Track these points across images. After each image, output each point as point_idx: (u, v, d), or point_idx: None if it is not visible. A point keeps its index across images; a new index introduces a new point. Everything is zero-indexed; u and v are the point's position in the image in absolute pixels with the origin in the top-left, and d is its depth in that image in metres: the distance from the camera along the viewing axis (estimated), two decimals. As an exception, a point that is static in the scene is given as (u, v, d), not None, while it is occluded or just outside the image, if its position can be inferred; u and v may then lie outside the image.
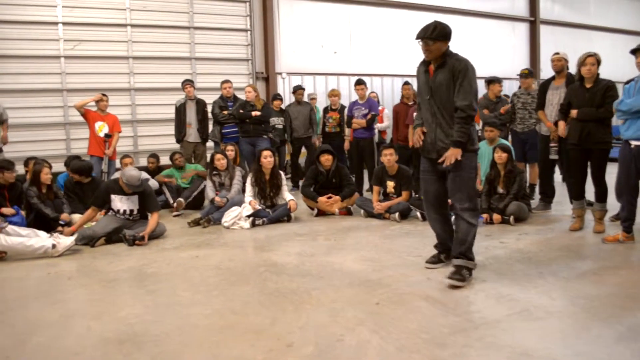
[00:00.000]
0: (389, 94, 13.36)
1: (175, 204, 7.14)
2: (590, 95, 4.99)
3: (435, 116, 3.87)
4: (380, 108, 9.33)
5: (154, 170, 8.04)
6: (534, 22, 16.05)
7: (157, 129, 10.51)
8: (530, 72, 7.07)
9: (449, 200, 4.02)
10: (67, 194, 6.46)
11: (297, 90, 9.26)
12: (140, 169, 7.74)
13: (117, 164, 8.05)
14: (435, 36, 3.76)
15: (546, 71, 13.77)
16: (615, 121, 4.94)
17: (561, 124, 5.30)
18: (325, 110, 8.95)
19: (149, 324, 3.15)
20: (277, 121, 9.29)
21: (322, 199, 6.72)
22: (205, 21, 11.11)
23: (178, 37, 10.89)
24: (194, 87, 8.63)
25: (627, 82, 4.71)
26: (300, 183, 7.71)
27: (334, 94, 8.82)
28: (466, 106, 3.68)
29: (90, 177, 6.62)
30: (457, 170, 3.76)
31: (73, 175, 6.51)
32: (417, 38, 3.83)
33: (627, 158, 4.61)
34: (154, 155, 8.28)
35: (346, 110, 8.51)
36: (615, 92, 4.86)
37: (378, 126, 9.07)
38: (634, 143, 4.52)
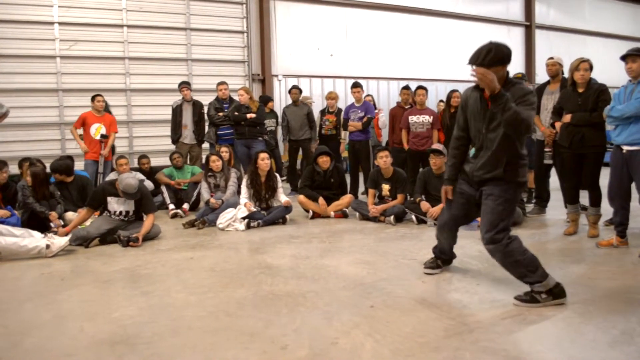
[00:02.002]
0: (384, 97, 13.39)
1: (179, 211, 7.12)
2: (582, 99, 5.01)
3: (486, 150, 3.46)
4: (376, 111, 9.36)
5: (148, 170, 8.02)
6: (529, 26, 16.13)
7: (153, 130, 10.51)
8: (523, 76, 7.09)
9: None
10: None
11: (292, 89, 9.22)
12: (135, 169, 7.78)
13: (113, 165, 8.02)
14: (489, 62, 3.28)
15: (541, 75, 13.80)
16: (607, 126, 4.96)
17: (557, 124, 5.31)
18: (322, 112, 8.95)
19: (143, 325, 3.14)
20: (268, 123, 9.29)
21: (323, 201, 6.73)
22: (201, 23, 11.13)
23: (174, 38, 10.90)
24: (191, 89, 8.61)
25: None
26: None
27: (331, 96, 8.83)
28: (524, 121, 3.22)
29: (72, 175, 6.58)
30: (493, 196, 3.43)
31: (54, 175, 6.46)
32: (469, 63, 3.38)
33: (618, 163, 4.63)
34: (145, 156, 8.25)
35: (342, 113, 8.52)
36: (608, 96, 4.89)
37: (380, 115, 9.10)
38: (625, 148, 4.54)
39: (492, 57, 3.29)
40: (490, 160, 3.42)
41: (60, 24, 9.76)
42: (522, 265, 3.35)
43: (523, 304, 3.31)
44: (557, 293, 3.33)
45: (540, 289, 3.32)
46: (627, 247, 4.73)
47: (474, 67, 3.32)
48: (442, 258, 4.16)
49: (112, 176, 7.36)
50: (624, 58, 4.53)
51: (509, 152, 3.38)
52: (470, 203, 3.74)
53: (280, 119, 9.55)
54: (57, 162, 6.53)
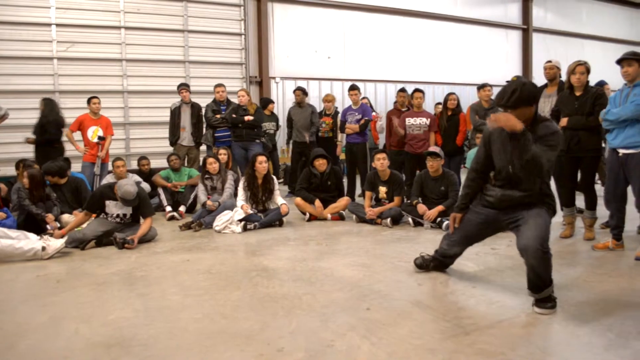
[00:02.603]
0: (382, 100, 13.41)
1: (176, 213, 7.11)
2: (579, 103, 5.02)
3: (512, 187, 3.46)
4: (374, 114, 9.36)
5: (148, 172, 8.01)
6: (526, 30, 16.19)
7: (150, 131, 10.51)
8: (518, 79, 7.09)
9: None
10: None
11: (296, 91, 9.13)
12: (133, 171, 7.77)
13: (109, 167, 8.01)
14: (513, 103, 3.24)
15: (538, 79, 13.85)
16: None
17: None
18: (319, 115, 8.94)
19: (138, 327, 3.13)
20: (268, 126, 9.26)
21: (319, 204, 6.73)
22: (199, 25, 11.14)
23: (172, 40, 10.91)
24: (190, 92, 8.60)
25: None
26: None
27: (328, 99, 8.83)
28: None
29: (65, 177, 6.55)
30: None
31: (47, 177, 6.40)
32: (497, 105, 3.37)
33: (614, 166, 4.64)
34: (145, 157, 8.25)
35: (339, 115, 8.52)
36: (605, 100, 4.90)
37: (378, 116, 9.05)
38: (621, 151, 4.55)
39: (516, 97, 3.23)
40: (524, 187, 3.40)
41: (57, 25, 9.77)
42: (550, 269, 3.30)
43: (547, 310, 3.26)
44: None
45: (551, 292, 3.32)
46: (623, 250, 4.74)
47: (499, 109, 3.29)
48: (438, 260, 4.16)
49: (109, 178, 7.34)
50: (619, 62, 4.54)
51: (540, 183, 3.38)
52: (488, 223, 3.68)
53: (281, 122, 9.52)
54: (49, 164, 6.50)
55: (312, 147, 8.60)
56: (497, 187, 3.56)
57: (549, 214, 3.40)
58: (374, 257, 4.79)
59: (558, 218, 5.82)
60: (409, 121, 7.52)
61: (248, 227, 6.16)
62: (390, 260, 4.61)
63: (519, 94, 3.22)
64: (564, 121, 5.12)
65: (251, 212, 6.31)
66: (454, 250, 4.00)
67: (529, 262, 3.27)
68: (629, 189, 4.65)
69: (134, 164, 9.14)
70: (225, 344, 2.87)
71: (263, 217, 6.34)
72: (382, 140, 9.92)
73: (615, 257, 4.60)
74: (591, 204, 5.23)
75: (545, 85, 6.22)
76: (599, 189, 5.73)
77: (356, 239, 5.69)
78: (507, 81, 6.81)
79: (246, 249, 5.31)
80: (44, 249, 4.89)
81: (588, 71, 5.06)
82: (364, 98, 10.04)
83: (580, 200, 5.40)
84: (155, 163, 8.34)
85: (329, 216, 6.74)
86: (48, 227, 5.78)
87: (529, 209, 3.38)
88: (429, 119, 7.49)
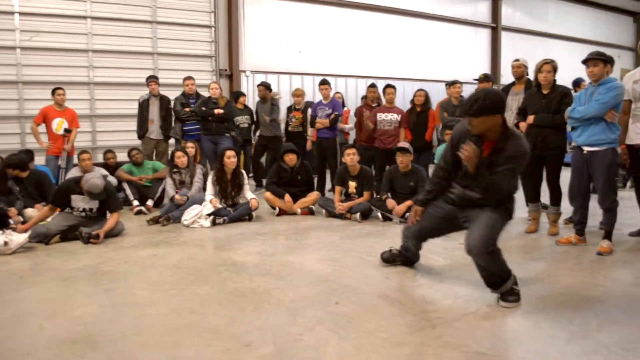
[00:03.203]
0: (352, 95, 13.44)
1: (143, 208, 7.00)
2: (546, 101, 5.12)
3: (474, 188, 3.51)
4: (345, 109, 9.38)
5: (114, 165, 7.85)
6: (495, 28, 16.40)
7: (117, 124, 10.30)
8: (486, 77, 7.21)
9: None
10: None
11: (259, 86, 9.08)
12: (99, 165, 7.61)
13: (75, 160, 7.84)
14: (474, 112, 3.23)
15: (506, 77, 14.08)
16: (569, 128, 5.09)
17: (522, 124, 5.41)
18: (289, 109, 8.92)
19: (105, 323, 3.08)
20: (241, 120, 9.19)
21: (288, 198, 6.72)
22: (168, 16, 10.93)
23: (140, 31, 10.67)
24: (158, 84, 8.47)
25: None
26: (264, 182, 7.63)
27: (298, 93, 8.80)
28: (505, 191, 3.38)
29: (27, 170, 6.35)
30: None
31: (8, 170, 6.20)
32: (461, 113, 3.44)
33: (579, 164, 4.75)
34: (111, 151, 8.08)
35: (310, 110, 8.51)
36: (571, 99, 5.00)
37: (344, 127, 9.08)
38: (586, 149, 4.66)
39: (478, 106, 3.21)
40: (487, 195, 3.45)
41: (20, 14, 9.46)
42: (501, 265, 3.38)
43: (511, 304, 3.31)
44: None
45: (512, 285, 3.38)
46: (585, 245, 4.86)
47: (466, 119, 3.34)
48: (404, 255, 4.20)
49: (74, 172, 7.18)
50: (585, 62, 4.64)
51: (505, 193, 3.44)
52: (447, 219, 3.72)
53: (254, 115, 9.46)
54: (10, 157, 6.31)
55: (277, 141, 8.62)
56: (460, 186, 3.61)
57: (501, 215, 3.45)
58: (343, 251, 4.81)
59: (523, 213, 5.96)
60: (380, 116, 7.55)
61: (217, 221, 6.11)
62: (359, 255, 4.64)
63: (481, 103, 3.20)
64: (530, 119, 5.22)
65: (220, 206, 6.26)
66: (411, 243, 4.04)
67: (476, 261, 3.37)
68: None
69: (100, 157, 8.94)
70: (192, 339, 2.85)
71: (232, 212, 6.30)
72: (352, 136, 9.97)
73: (578, 251, 4.72)
74: (556, 200, 5.36)
75: (513, 84, 6.33)
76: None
77: (325, 233, 5.70)
78: (475, 79, 6.91)
79: (215, 244, 5.27)
80: (6, 243, 4.76)
81: (555, 70, 5.15)
82: (337, 93, 10.08)
83: (545, 197, 5.51)
84: (122, 157, 8.17)
85: (299, 211, 6.74)
86: (10, 221, 5.63)
87: (481, 209, 3.45)
88: (399, 115, 7.54)
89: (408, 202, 6.07)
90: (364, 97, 10.20)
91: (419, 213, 3.87)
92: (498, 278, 3.35)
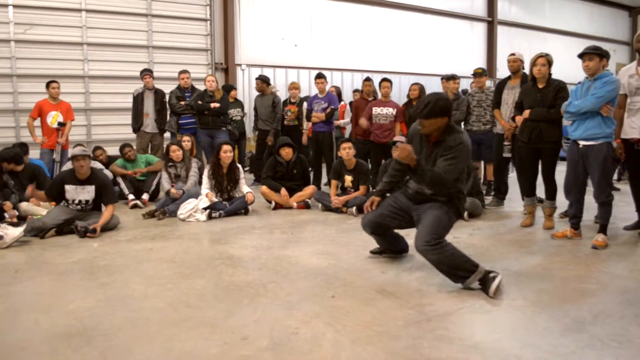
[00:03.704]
0: (348, 89, 13.42)
1: (139, 202, 6.97)
2: (542, 95, 5.13)
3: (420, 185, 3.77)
4: (342, 104, 9.36)
5: (105, 161, 7.79)
6: (491, 22, 16.41)
7: (112, 118, 10.28)
8: (483, 71, 7.22)
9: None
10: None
11: (256, 79, 9.03)
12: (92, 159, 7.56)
13: (69, 153, 7.80)
14: (426, 114, 3.55)
15: (502, 71, 14.08)
16: (564, 122, 5.10)
17: (518, 117, 5.42)
18: (285, 103, 8.89)
19: (100, 317, 3.08)
20: (234, 113, 9.16)
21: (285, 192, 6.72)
22: (163, 9, 10.91)
23: (135, 24, 10.65)
24: (153, 77, 8.43)
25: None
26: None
27: (294, 86, 8.78)
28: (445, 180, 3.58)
29: (22, 164, 6.33)
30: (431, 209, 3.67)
31: (3, 164, 6.17)
32: (413, 114, 3.70)
33: (575, 157, 4.76)
34: (100, 147, 7.98)
35: (305, 104, 8.49)
36: (566, 93, 5.01)
37: (340, 122, 9.07)
38: (581, 143, 4.67)
39: (429, 109, 3.54)
40: (434, 189, 3.70)
41: (14, 6, 9.40)
42: (457, 259, 3.48)
43: (493, 289, 3.34)
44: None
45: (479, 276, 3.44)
46: (580, 239, 4.88)
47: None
48: (383, 246, 4.31)
49: (69, 165, 7.14)
50: (581, 56, 4.64)
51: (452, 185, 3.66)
52: (402, 210, 3.90)
53: (246, 109, 9.41)
54: (5, 151, 6.28)
55: (276, 136, 8.57)
56: (414, 182, 3.82)
57: (448, 213, 3.66)
58: (339, 245, 4.82)
59: (519, 207, 5.98)
60: (376, 110, 7.55)
61: (213, 215, 6.11)
62: (355, 249, 4.65)
63: (431, 106, 3.52)
64: (526, 113, 5.22)
65: (216, 200, 6.25)
66: (368, 232, 4.15)
67: (427, 259, 3.53)
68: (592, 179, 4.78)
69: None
70: (188, 332, 2.85)
71: (228, 206, 6.29)
72: (348, 129, 9.96)
73: (573, 245, 4.74)
74: (551, 194, 5.37)
75: (509, 77, 6.34)
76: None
77: (321, 227, 5.71)
78: (473, 74, 6.93)
79: (211, 238, 5.27)
80: (1, 237, 4.75)
81: (550, 63, 5.15)
82: (333, 87, 10.05)
83: (540, 191, 5.53)
84: (116, 150, 8.14)
85: (295, 205, 6.74)
86: (6, 215, 5.61)
87: (430, 207, 3.69)
88: (395, 109, 7.54)
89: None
90: (355, 91, 10.20)
91: (375, 202, 4.01)
92: (460, 271, 3.45)
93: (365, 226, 4.12)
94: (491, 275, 3.40)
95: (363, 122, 7.55)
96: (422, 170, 3.60)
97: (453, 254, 3.46)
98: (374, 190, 6.29)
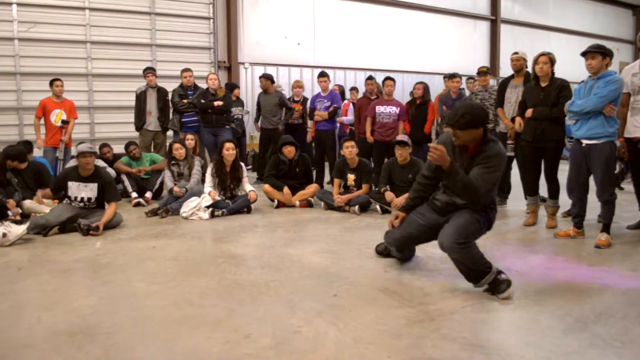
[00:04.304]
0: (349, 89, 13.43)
1: (142, 200, 6.98)
2: (544, 94, 5.11)
3: (451, 194, 3.65)
4: (345, 102, 9.36)
5: (111, 159, 7.82)
6: (495, 20, 16.38)
7: (115, 116, 10.28)
8: (487, 70, 7.22)
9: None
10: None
11: (260, 78, 9.04)
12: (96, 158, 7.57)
13: (73, 151, 7.82)
14: (462, 126, 3.39)
15: (505, 69, 14.07)
16: (567, 120, 5.09)
17: (517, 119, 5.42)
18: (288, 101, 8.88)
19: (103, 315, 3.08)
20: (236, 111, 9.16)
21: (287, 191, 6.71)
22: (166, 7, 10.90)
23: (138, 22, 10.64)
24: (156, 75, 8.43)
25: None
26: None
27: (298, 85, 8.78)
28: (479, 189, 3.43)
29: (25, 161, 6.33)
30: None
31: (7, 161, 6.18)
32: (447, 124, 3.53)
33: (578, 156, 4.75)
34: (107, 145, 8.02)
35: (309, 102, 8.49)
36: (569, 92, 4.99)
37: (344, 120, 9.05)
38: (584, 142, 4.66)
39: (466, 121, 3.37)
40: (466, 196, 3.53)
41: (18, 4, 9.41)
42: (477, 258, 3.41)
43: (504, 294, 3.32)
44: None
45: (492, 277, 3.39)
46: (583, 238, 4.87)
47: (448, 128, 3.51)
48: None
49: (72, 163, 7.16)
50: (584, 54, 4.63)
51: (484, 196, 3.51)
52: (429, 227, 3.75)
53: (249, 107, 9.41)
54: (9, 148, 6.30)
55: (280, 133, 8.56)
56: (445, 194, 3.69)
57: (479, 219, 3.53)
58: (341, 244, 4.82)
59: (522, 206, 5.97)
60: (379, 109, 7.54)
61: (215, 213, 6.11)
62: (357, 247, 4.64)
63: (468, 118, 3.36)
64: (528, 112, 5.21)
65: (219, 198, 6.25)
66: (393, 251, 4.06)
67: (450, 256, 3.45)
68: (592, 178, 4.77)
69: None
70: (191, 331, 2.85)
71: (231, 204, 6.30)
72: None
73: (576, 244, 4.73)
74: (554, 193, 5.36)
75: (512, 76, 6.32)
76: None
77: (324, 226, 5.71)
78: (477, 72, 6.91)
79: (213, 236, 5.27)
80: (4, 235, 4.76)
81: (552, 62, 5.14)
82: (336, 85, 10.04)
83: (543, 189, 5.51)
84: (121, 149, 8.15)
85: (297, 203, 6.74)
86: (9, 213, 5.63)
87: (462, 210, 3.56)
88: (398, 108, 7.53)
89: (407, 195, 6.05)
90: (352, 89, 10.20)
91: (400, 219, 3.89)
92: (477, 272, 3.39)
93: (391, 244, 4.00)
94: (502, 277, 3.36)
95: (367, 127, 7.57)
96: (455, 173, 3.39)
97: (476, 254, 3.39)
98: (378, 194, 6.29)
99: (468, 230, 3.43)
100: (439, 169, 3.55)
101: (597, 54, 4.53)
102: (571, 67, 8.91)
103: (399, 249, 4.03)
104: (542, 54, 5.14)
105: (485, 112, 3.58)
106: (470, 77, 10.25)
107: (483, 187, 3.42)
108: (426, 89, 7.68)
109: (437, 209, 3.74)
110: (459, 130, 3.40)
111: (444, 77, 8.05)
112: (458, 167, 3.44)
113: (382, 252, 4.31)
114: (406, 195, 5.97)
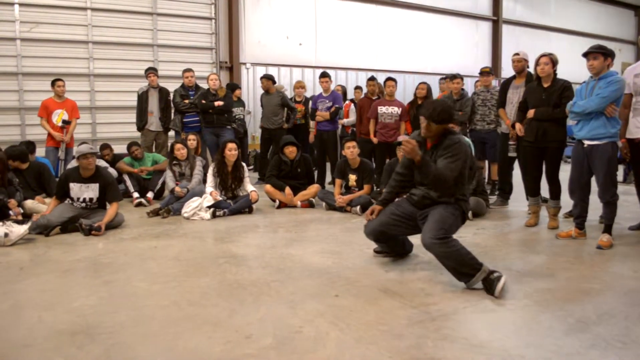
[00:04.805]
0: (353, 88, 13.41)
1: (143, 200, 6.97)
2: (546, 94, 5.11)
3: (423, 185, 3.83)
4: (346, 103, 9.36)
5: (111, 160, 7.80)
6: (496, 21, 16.35)
7: (117, 116, 10.29)
8: (490, 70, 7.22)
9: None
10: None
11: (261, 78, 9.04)
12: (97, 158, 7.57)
13: (74, 151, 7.81)
14: (439, 120, 3.65)
15: (507, 70, 14.03)
16: (569, 121, 5.08)
17: (517, 125, 5.40)
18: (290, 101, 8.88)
19: (104, 315, 3.09)
20: (237, 111, 9.15)
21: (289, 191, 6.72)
22: (168, 7, 10.92)
23: (140, 22, 10.66)
24: (158, 76, 8.44)
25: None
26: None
27: (299, 85, 8.78)
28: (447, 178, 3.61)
29: (27, 161, 6.34)
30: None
31: (8, 162, 6.15)
32: (424, 116, 3.71)
33: (579, 157, 4.74)
34: (107, 146, 7.99)
35: (310, 102, 8.49)
36: (571, 92, 4.99)
37: (345, 121, 9.06)
38: (586, 143, 4.65)
39: (443, 118, 3.65)
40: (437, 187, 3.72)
41: (20, 5, 9.43)
42: (463, 255, 3.48)
43: (498, 289, 3.33)
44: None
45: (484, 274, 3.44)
46: (585, 239, 4.86)
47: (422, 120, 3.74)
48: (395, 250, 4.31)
49: (74, 163, 7.15)
50: (585, 55, 4.62)
51: (455, 188, 3.70)
52: (405, 217, 3.90)
53: (250, 108, 9.41)
54: (10, 148, 6.30)
55: (281, 133, 8.55)
56: (421, 187, 3.85)
57: (454, 212, 3.68)
58: (342, 244, 4.82)
59: (523, 207, 5.96)
60: (381, 109, 7.54)
61: (217, 214, 6.11)
62: (359, 248, 4.64)
63: (446, 115, 3.65)
64: (530, 112, 5.20)
65: (220, 198, 6.25)
66: (372, 239, 4.18)
67: (434, 255, 3.56)
68: (593, 179, 4.76)
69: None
70: (192, 331, 2.85)
71: (232, 204, 6.30)
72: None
73: (578, 245, 4.72)
74: (555, 193, 5.35)
75: (514, 77, 6.32)
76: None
77: (325, 226, 5.70)
78: (480, 72, 6.92)
79: (215, 236, 5.27)
80: (6, 235, 4.76)
81: (554, 62, 5.13)
82: (338, 85, 10.04)
83: (544, 190, 5.51)
84: (122, 149, 8.15)
85: (299, 203, 6.74)
86: (11, 212, 5.63)
87: (436, 206, 3.72)
88: (400, 108, 7.53)
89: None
90: (357, 88, 10.18)
91: (376, 211, 4.04)
92: (465, 269, 3.45)
93: (369, 234, 4.12)
94: (495, 275, 3.39)
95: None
96: (426, 165, 3.60)
97: (459, 250, 3.46)
98: (379, 195, 6.29)
99: (445, 225, 3.56)
100: (412, 163, 3.75)
101: (599, 54, 4.52)
102: (573, 68, 8.89)
103: (376, 239, 4.17)
104: (544, 55, 5.14)
105: (452, 108, 3.89)
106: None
107: (450, 176, 3.60)
108: (429, 89, 7.69)
109: (413, 203, 3.89)
110: (435, 123, 3.66)
111: (440, 80, 8.03)
112: (428, 159, 3.66)
113: (380, 251, 4.35)
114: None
